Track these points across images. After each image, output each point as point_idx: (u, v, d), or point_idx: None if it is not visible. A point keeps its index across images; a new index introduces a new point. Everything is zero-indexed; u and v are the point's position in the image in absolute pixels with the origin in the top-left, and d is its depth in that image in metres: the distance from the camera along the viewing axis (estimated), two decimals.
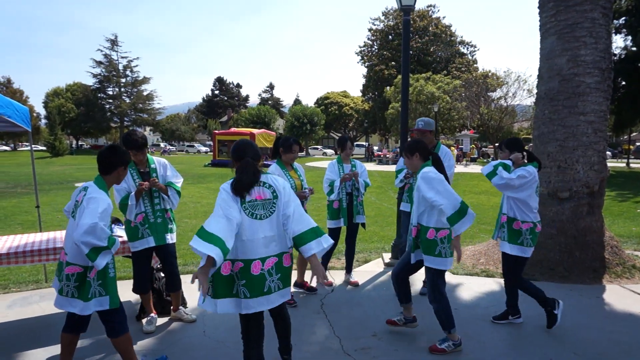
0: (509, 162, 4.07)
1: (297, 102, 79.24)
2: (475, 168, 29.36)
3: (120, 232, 4.48)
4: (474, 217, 3.48)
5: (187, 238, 7.79)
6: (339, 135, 67.42)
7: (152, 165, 4.20)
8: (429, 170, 3.62)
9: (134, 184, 4.07)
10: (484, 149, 45.11)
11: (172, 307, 4.42)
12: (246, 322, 3.04)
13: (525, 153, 4.15)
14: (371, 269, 6.14)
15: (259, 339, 3.06)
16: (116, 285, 3.18)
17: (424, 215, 3.68)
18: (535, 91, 6.50)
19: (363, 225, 5.50)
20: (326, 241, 2.96)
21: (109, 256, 3.06)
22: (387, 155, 37.36)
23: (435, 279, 3.70)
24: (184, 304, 4.57)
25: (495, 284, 5.46)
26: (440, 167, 3.70)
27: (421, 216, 3.70)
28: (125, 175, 3.30)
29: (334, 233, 5.27)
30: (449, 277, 5.71)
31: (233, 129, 36.29)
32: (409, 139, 5.27)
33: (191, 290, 4.97)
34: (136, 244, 4.13)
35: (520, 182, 3.98)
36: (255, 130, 33.79)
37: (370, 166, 31.23)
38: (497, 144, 40.18)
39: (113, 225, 3.40)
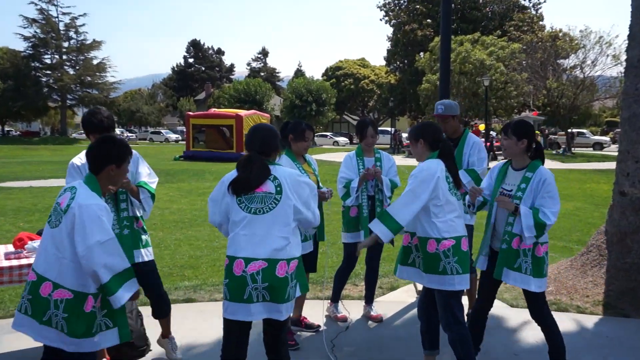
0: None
1: (298, 73, 79.52)
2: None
3: None
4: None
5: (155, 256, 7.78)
6: (356, 118, 67.58)
7: None
8: (425, 166, 3.83)
9: None
10: (552, 136, 44.88)
11: (161, 333, 4.62)
12: (226, 333, 3.32)
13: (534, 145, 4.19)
14: (399, 299, 6.15)
15: None
16: (125, 312, 3.27)
17: (421, 221, 3.84)
18: (624, 58, 6.44)
19: (390, 240, 5.52)
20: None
21: (133, 289, 3.17)
22: None
23: (447, 300, 3.83)
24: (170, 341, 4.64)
25: (570, 322, 5.43)
26: (450, 162, 3.90)
27: (417, 222, 3.87)
28: (121, 177, 3.39)
29: (349, 248, 5.30)
30: (505, 311, 5.72)
31: (213, 110, 36.52)
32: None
33: (179, 321, 4.96)
34: None
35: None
36: (242, 112, 33.92)
37: (398, 159, 31.22)
38: (568, 130, 40.04)
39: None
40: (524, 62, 38.65)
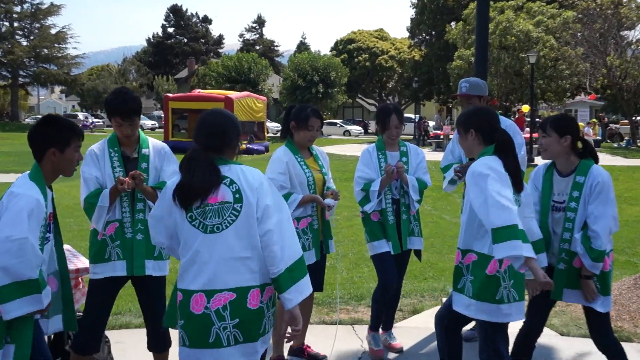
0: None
1: (302, 47, 79.52)
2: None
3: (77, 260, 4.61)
4: (527, 250, 3.43)
5: None
6: (372, 102, 67.57)
7: (145, 150, 4.43)
8: (486, 164, 3.69)
9: (112, 174, 4.29)
10: (613, 126, 44.70)
11: None
12: None
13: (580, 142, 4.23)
14: (424, 324, 6.16)
15: None
16: (32, 327, 3.31)
17: (479, 236, 3.79)
18: None
19: (418, 254, 5.55)
20: (307, 288, 3.19)
21: (32, 306, 3.22)
22: (451, 135, 37.23)
23: (493, 333, 3.82)
24: None
25: (635, 355, 5.41)
26: (509, 155, 3.80)
27: (473, 237, 3.82)
28: (68, 165, 3.49)
29: (382, 262, 5.24)
30: (554, 340, 5.70)
31: (197, 92, 36.57)
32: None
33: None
34: (97, 268, 4.30)
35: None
36: (233, 94, 33.99)
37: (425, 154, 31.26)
38: (633, 118, 39.93)
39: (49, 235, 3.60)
40: (579, 34, 38.48)
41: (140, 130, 4.47)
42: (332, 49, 65.38)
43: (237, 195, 3.14)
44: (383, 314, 5.47)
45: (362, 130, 58.15)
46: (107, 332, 4.98)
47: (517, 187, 3.79)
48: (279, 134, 50.83)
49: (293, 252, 3.19)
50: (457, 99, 41.73)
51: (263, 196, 3.17)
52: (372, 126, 58.91)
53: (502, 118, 5.29)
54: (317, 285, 5.00)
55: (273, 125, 56.82)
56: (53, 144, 3.42)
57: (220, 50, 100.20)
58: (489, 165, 3.66)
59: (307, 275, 3.23)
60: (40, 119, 3.52)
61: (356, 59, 61.72)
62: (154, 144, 4.50)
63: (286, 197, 4.64)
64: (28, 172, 3.46)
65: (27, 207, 3.22)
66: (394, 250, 5.20)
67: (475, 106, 4.18)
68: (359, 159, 5.36)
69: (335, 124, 57.97)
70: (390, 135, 5.30)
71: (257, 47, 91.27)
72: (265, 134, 36.57)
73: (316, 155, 5.09)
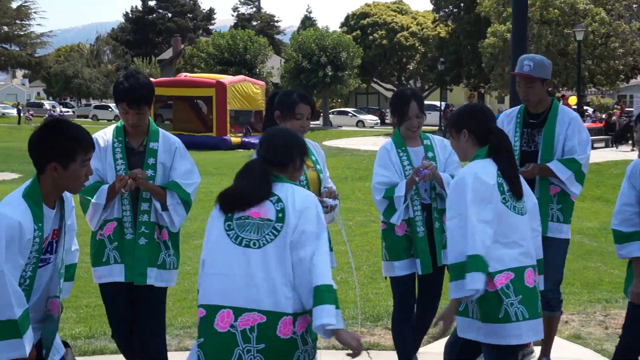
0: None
1: (307, 23, 79.44)
2: None
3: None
4: (476, 292, 3.76)
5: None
6: (391, 87, 67.51)
7: (153, 144, 4.58)
8: (472, 171, 3.89)
9: (114, 166, 4.46)
10: None
11: None
12: None
13: None
14: None
15: None
16: None
17: None
18: None
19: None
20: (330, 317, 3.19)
21: (9, 353, 3.21)
22: None
23: (501, 358, 3.93)
24: None
25: None
26: (506, 160, 3.97)
27: None
28: (73, 182, 3.48)
29: (400, 286, 5.19)
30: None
31: (184, 76, 36.66)
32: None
33: None
34: (97, 271, 4.51)
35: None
36: (226, 78, 34.06)
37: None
38: None
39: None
40: (634, 5, 38.33)
41: (151, 120, 4.60)
42: (342, 25, 65.33)
43: (279, 215, 3.33)
44: (410, 341, 5.38)
45: (379, 121, 58.21)
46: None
47: (516, 194, 3.95)
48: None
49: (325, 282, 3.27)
50: (492, 82, 41.59)
51: (305, 221, 3.32)
52: (390, 115, 58.87)
53: (566, 109, 5.30)
54: None
55: None
56: (55, 158, 3.37)
57: (211, 27, 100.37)
58: (479, 174, 3.85)
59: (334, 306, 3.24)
60: (42, 125, 3.48)
61: (371, 37, 61.62)
62: (165, 137, 4.64)
63: None
64: (26, 184, 3.48)
65: (7, 232, 3.22)
66: (423, 270, 5.05)
67: (468, 105, 4.24)
68: (375, 161, 5.24)
69: (346, 113, 58.13)
70: (411, 127, 5.15)
71: (254, 23, 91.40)
72: None
73: (308, 149, 5.02)
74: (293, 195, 3.37)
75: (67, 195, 3.64)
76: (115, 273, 4.43)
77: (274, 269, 3.24)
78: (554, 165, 5.13)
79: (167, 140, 4.65)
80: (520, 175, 5.15)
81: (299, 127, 4.76)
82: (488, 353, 3.94)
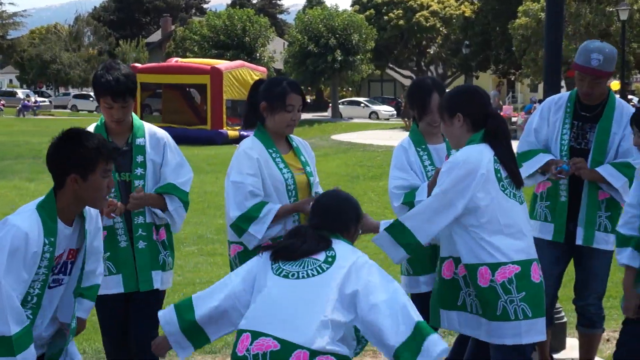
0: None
1: (313, 1, 79.47)
2: None
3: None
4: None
5: None
6: (409, 74, 67.43)
7: (139, 140, 4.71)
8: (462, 157, 4.10)
9: None
10: None
11: None
12: None
13: None
14: None
15: None
16: None
17: (464, 239, 4.14)
18: None
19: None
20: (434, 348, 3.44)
21: None
22: (515, 119, 37.07)
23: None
24: None
25: None
26: (503, 146, 4.13)
27: (457, 242, 4.17)
28: (93, 192, 3.65)
29: (424, 304, 5.11)
30: None
31: (175, 61, 36.69)
32: (562, 82, 5.36)
33: None
34: None
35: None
36: (222, 64, 34.10)
37: None
38: None
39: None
40: None
41: (134, 114, 4.70)
42: (353, 3, 65.34)
43: (329, 259, 3.63)
44: None
45: (394, 112, 58.07)
46: None
47: (515, 181, 4.16)
48: None
49: (408, 324, 3.49)
50: (524, 68, 41.44)
51: (367, 273, 3.60)
52: (408, 108, 58.74)
53: (622, 103, 5.29)
54: None
55: None
56: (74, 169, 3.55)
57: (205, 6, 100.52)
58: (470, 156, 4.05)
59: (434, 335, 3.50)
60: (60, 135, 3.65)
61: (386, 17, 61.63)
62: (151, 131, 4.74)
63: (258, 207, 4.55)
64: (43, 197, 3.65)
65: (11, 243, 3.37)
66: None
67: (462, 86, 4.33)
68: (392, 162, 5.18)
69: (358, 103, 58.09)
70: (433, 122, 5.05)
71: (254, 1, 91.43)
72: None
73: (297, 148, 4.91)
74: (346, 249, 3.69)
75: (92, 214, 3.82)
76: (113, 285, 4.58)
77: (306, 301, 3.46)
78: (606, 171, 5.10)
79: (154, 135, 4.73)
80: (569, 172, 5.19)
81: (289, 120, 4.73)
82: (493, 352, 4.07)
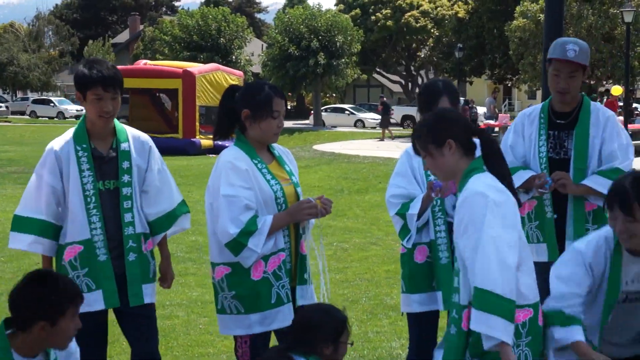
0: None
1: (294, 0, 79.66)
2: None
3: None
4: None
5: None
6: (396, 79, 67.45)
7: (124, 145, 4.78)
8: (484, 187, 3.87)
9: (80, 179, 4.62)
10: None
11: None
12: None
13: None
14: None
15: None
16: None
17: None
18: None
19: None
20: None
21: None
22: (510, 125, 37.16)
23: None
24: None
25: None
26: (503, 165, 4.06)
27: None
28: (60, 336, 3.66)
29: (419, 324, 5.21)
30: None
31: (144, 63, 36.63)
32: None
33: None
34: None
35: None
36: (195, 67, 34.08)
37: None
38: None
39: None
40: None
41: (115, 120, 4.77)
42: (338, 2, 65.53)
43: None
44: None
45: (386, 122, 58.07)
46: None
47: (518, 203, 4.03)
48: None
49: None
50: (521, 74, 41.56)
51: None
52: (396, 113, 58.83)
53: (596, 105, 5.30)
54: None
55: None
56: (43, 316, 3.55)
57: (177, 4, 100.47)
58: (495, 187, 3.87)
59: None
60: (25, 279, 3.66)
61: (373, 17, 61.84)
62: (134, 135, 4.83)
63: (253, 220, 4.48)
64: None
65: None
66: (445, 306, 4.99)
67: (436, 111, 4.27)
68: (395, 168, 5.23)
69: (342, 110, 58.18)
70: None
71: (231, 0, 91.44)
72: None
73: (280, 157, 4.87)
74: None
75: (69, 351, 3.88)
76: (92, 301, 4.58)
77: None
78: (592, 181, 5.13)
79: (137, 139, 4.83)
80: (549, 189, 5.20)
81: (275, 127, 4.68)
82: None
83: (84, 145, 4.63)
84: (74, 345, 3.99)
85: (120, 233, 4.73)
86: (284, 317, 4.58)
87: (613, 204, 4.07)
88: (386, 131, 42.50)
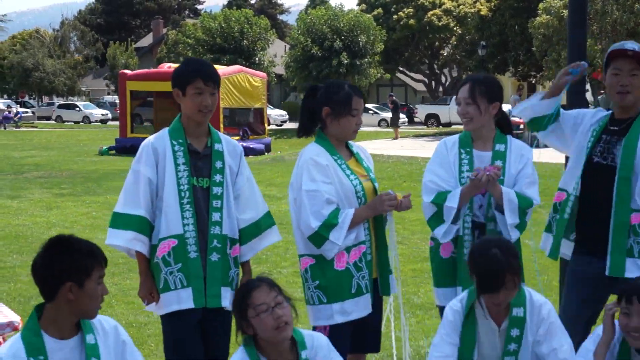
0: None
1: (317, 0, 79.69)
2: None
3: None
4: None
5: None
6: (420, 78, 67.21)
7: (218, 146, 4.89)
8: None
9: (175, 172, 4.72)
10: None
11: None
12: None
13: None
14: None
15: None
16: None
17: None
18: None
19: None
20: None
21: None
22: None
23: None
24: None
25: None
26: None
27: None
28: (89, 300, 3.64)
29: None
30: None
31: (167, 66, 36.70)
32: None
33: None
34: (167, 297, 4.73)
35: None
36: (218, 69, 33.93)
37: None
38: None
39: None
40: None
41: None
42: (360, 2, 65.43)
43: None
44: None
45: (406, 119, 58.03)
46: None
47: None
48: (283, 125, 49.41)
49: None
50: (545, 71, 41.13)
51: None
52: (420, 111, 58.69)
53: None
54: (373, 345, 5.17)
55: (276, 114, 56.89)
56: (67, 277, 3.55)
57: (200, 7, 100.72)
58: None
59: None
60: (46, 244, 3.65)
61: (395, 16, 61.68)
62: (226, 140, 4.96)
63: (335, 214, 4.67)
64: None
65: None
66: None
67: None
68: (432, 157, 5.24)
69: (366, 110, 57.83)
70: (458, 113, 5.16)
71: (252, 1, 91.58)
72: (266, 126, 36.58)
73: (357, 154, 5.09)
74: None
75: (105, 329, 3.82)
76: (183, 299, 4.64)
77: None
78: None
79: (230, 142, 4.97)
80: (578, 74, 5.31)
81: (354, 124, 4.94)
82: None
83: (180, 141, 4.74)
84: (124, 333, 3.95)
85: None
86: (363, 307, 4.81)
87: (633, 297, 3.92)
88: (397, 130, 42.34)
